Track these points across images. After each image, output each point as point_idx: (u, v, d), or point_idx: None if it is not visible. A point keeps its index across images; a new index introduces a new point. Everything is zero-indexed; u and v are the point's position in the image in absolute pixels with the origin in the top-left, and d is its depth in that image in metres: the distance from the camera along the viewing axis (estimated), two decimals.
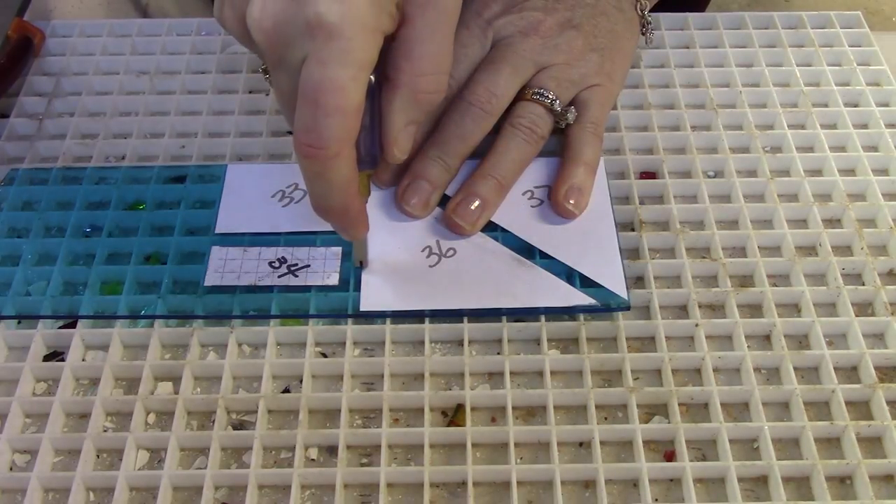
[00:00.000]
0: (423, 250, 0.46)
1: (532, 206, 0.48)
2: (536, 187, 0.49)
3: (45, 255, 0.48)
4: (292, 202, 0.48)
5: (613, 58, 0.51)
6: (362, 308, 0.44)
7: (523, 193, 0.49)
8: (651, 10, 0.55)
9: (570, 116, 0.49)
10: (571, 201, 0.47)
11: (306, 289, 0.45)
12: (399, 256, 0.46)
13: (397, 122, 0.41)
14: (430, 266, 0.46)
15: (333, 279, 0.45)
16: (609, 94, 0.51)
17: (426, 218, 0.48)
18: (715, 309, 0.46)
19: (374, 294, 0.45)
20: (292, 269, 0.45)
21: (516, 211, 0.48)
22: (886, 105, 0.55)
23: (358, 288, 0.45)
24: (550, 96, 0.48)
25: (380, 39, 0.37)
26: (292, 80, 0.37)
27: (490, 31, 0.50)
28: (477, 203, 0.47)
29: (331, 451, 0.41)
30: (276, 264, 0.46)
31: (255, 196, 0.49)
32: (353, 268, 0.46)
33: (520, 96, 0.49)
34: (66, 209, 0.49)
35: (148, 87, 0.56)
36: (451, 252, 0.46)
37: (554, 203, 0.48)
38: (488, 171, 0.47)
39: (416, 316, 0.44)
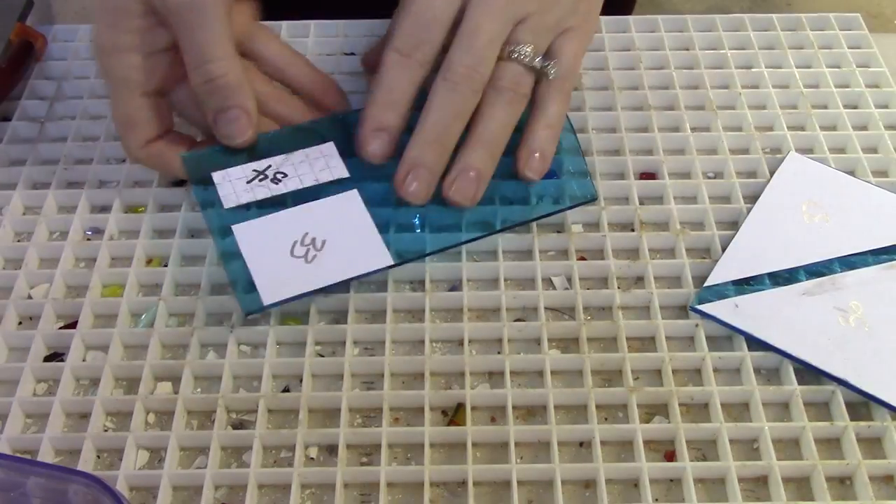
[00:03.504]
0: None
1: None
2: None
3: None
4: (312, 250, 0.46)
5: None
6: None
7: None
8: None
9: (551, 72, 0.47)
10: (532, 168, 0.47)
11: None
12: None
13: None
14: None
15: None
16: (584, 37, 0.49)
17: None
18: None
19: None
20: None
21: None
22: (886, 107, 0.55)
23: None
24: (529, 53, 0.46)
25: None
26: None
27: None
28: (472, 175, 0.45)
29: (331, 450, 0.41)
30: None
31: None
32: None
33: (499, 56, 0.46)
34: (69, 213, 0.49)
35: None
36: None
37: (514, 168, 0.47)
38: (478, 140, 0.46)
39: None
